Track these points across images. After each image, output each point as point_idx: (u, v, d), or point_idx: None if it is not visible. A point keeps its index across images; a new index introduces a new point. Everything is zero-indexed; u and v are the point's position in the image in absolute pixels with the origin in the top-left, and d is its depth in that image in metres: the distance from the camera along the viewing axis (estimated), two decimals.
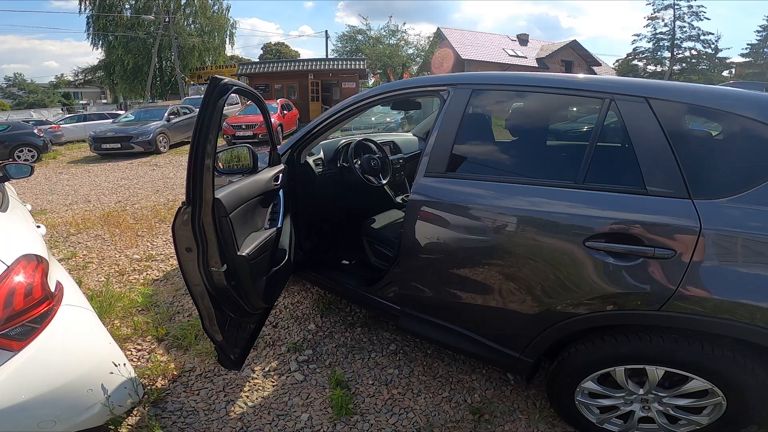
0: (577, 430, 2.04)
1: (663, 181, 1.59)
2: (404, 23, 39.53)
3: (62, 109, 33.60)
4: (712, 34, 34.79)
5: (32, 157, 12.05)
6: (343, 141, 3.39)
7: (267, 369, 2.50)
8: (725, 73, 35.24)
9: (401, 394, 2.31)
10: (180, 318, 3.08)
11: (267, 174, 2.37)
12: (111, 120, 15.66)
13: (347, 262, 3.07)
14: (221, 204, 1.79)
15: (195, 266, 1.77)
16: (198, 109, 1.70)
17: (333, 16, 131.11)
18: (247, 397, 2.29)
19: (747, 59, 35.68)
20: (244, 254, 1.89)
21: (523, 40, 38.40)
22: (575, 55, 36.28)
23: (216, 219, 1.75)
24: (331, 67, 20.38)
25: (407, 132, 4.59)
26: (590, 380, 1.85)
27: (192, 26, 31.44)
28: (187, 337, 2.75)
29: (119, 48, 30.16)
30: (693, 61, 34.90)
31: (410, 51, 30.36)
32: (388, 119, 10.87)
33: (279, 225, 2.30)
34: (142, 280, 3.75)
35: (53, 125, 16.34)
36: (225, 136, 13.41)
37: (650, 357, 1.68)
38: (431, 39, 32.76)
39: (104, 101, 42.28)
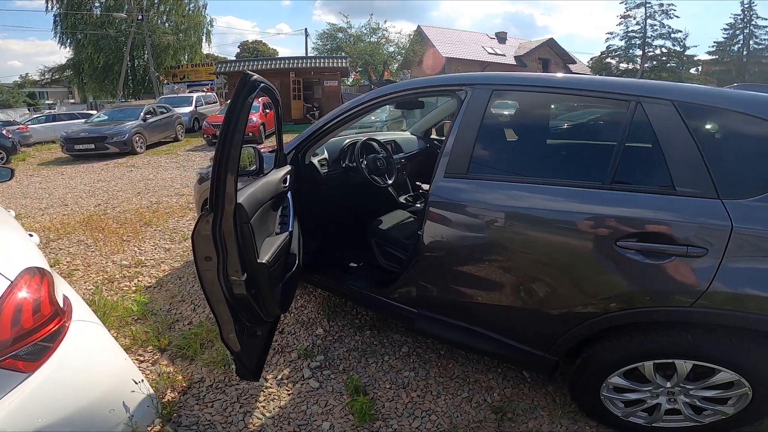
0: (602, 424, 2.05)
1: (692, 182, 1.62)
2: (385, 21, 39.47)
3: (29, 109, 32.27)
4: (681, 32, 35.97)
5: (0, 159, 11.53)
6: (348, 141, 3.31)
7: (280, 377, 2.42)
8: (693, 71, 36.63)
9: (420, 397, 2.27)
10: (180, 326, 2.96)
11: (276, 175, 2.29)
12: (83, 120, 15.10)
13: (355, 265, 3.01)
14: (243, 209, 1.70)
15: (214, 276, 1.67)
16: (228, 108, 1.58)
17: (310, 14, 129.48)
18: (264, 407, 2.21)
19: (713, 57, 36.94)
20: (264, 261, 1.82)
21: (501, 38, 38.86)
22: (552, 53, 36.91)
23: (238, 225, 1.66)
24: (312, 65, 20.06)
25: (404, 131, 4.54)
26: (617, 375, 1.86)
27: (166, 24, 30.62)
28: (192, 346, 2.64)
29: (89, 46, 29.18)
30: (663, 59, 36.06)
31: (391, 49, 30.34)
32: (372, 118, 10.74)
33: (290, 229, 2.22)
34: (134, 288, 3.60)
35: (21, 126, 15.68)
36: (205, 136, 13.09)
37: (680, 351, 1.72)
38: (412, 37, 32.79)
39: (72, 101, 40.83)
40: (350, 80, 28.23)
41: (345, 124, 2.57)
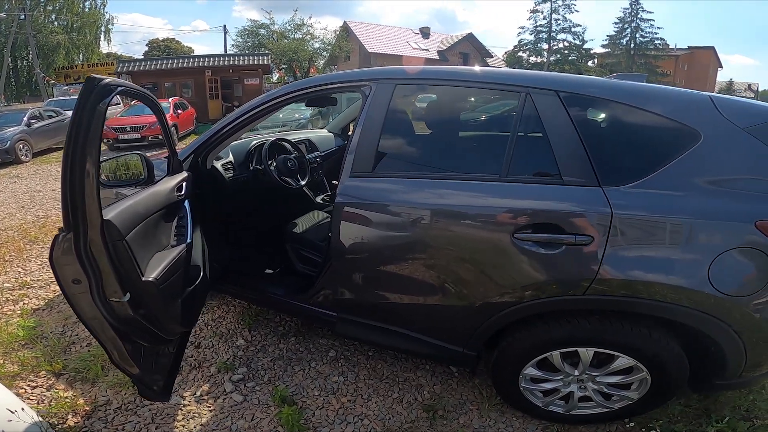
0: (526, 414, 2.10)
1: (576, 171, 1.67)
2: (310, 17, 38.79)
3: None
4: (580, 26, 38.66)
5: None
6: (255, 142, 3.15)
7: (198, 393, 2.23)
8: (590, 63, 39.46)
9: (351, 402, 2.20)
10: (77, 348, 2.64)
11: (167, 184, 2.09)
12: None
13: (271, 271, 2.87)
14: (113, 225, 1.53)
15: (88, 299, 1.51)
16: (72, 118, 1.40)
17: (230, 10, 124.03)
18: (183, 426, 2.03)
19: (607, 50, 40.14)
20: (150, 279, 1.66)
21: (425, 33, 39.98)
22: (471, 48, 38.72)
23: (109, 244, 1.50)
24: (231, 62, 19.21)
25: (321, 128, 4.45)
26: (530, 366, 1.91)
27: (56, 23, 27.74)
28: (92, 368, 2.37)
29: None
30: (565, 52, 38.57)
31: (316, 45, 29.96)
32: (297, 115, 10.50)
33: (188, 240, 2.04)
34: (19, 311, 3.16)
35: None
36: (105, 141, 11.96)
37: (580, 339, 1.79)
38: (338, 33, 32.60)
39: None
40: (275, 78, 27.41)
41: (248, 125, 2.40)
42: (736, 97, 1.84)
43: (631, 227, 1.61)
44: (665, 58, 38.90)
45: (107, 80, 1.47)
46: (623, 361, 1.77)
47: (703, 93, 1.76)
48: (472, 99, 2.14)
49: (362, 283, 2.09)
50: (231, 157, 2.92)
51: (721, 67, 45.31)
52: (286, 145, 3.24)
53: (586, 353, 1.80)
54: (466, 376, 2.38)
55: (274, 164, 2.98)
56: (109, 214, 1.56)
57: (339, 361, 2.50)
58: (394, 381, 2.35)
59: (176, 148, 2.34)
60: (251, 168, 2.98)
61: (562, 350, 1.83)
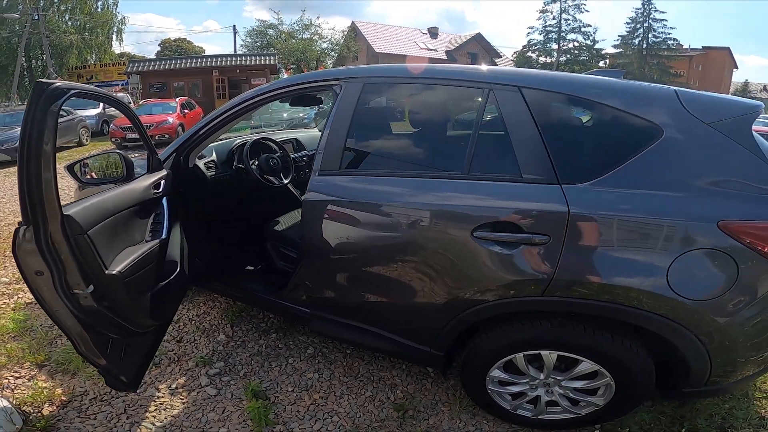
0: (495, 417, 2.08)
1: (535, 168, 1.64)
2: (318, 17, 39.00)
3: None
4: (591, 26, 38.46)
5: None
6: (238, 141, 3.19)
7: (174, 386, 2.28)
8: (601, 64, 38.93)
9: (323, 399, 2.22)
10: (62, 342, 2.69)
11: (143, 182, 2.14)
12: None
13: (252, 268, 2.91)
14: (73, 220, 1.59)
15: (51, 290, 1.56)
16: (23, 121, 1.45)
17: (241, 10, 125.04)
18: (154, 417, 2.07)
19: (618, 50, 39.71)
20: (114, 272, 1.70)
21: (433, 33, 40.01)
22: (480, 48, 38.67)
23: (70, 238, 1.55)
24: (238, 62, 19.42)
25: (312, 128, 4.47)
26: (497, 368, 1.89)
27: (69, 23, 28.13)
28: (73, 360, 2.42)
29: None
30: (575, 52, 38.26)
31: (324, 45, 30.09)
32: (301, 114, 10.59)
33: (163, 236, 2.09)
34: (12, 305, 3.23)
35: None
36: (114, 140, 12.16)
37: (542, 342, 1.75)
38: (345, 33, 32.73)
39: None
40: (283, 78, 27.52)
41: (227, 123, 2.43)
42: (703, 92, 1.77)
43: (588, 226, 1.57)
44: (678, 58, 38.45)
45: (57, 84, 1.52)
46: (587, 365, 1.73)
47: (669, 87, 1.70)
48: (440, 96, 2.14)
49: (331, 279, 2.11)
50: (214, 156, 2.96)
51: (737, 67, 44.69)
52: (271, 144, 3.27)
53: (549, 356, 1.77)
54: (441, 378, 2.38)
55: (257, 163, 3.01)
56: (71, 209, 1.61)
57: (316, 359, 2.53)
58: (369, 379, 2.36)
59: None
60: (234, 167, 3.02)
61: (525, 353, 1.80)
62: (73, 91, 1.57)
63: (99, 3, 28.95)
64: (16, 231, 1.48)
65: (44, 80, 1.50)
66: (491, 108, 1.78)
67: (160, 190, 2.20)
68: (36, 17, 24.62)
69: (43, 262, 1.50)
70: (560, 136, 1.72)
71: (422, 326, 1.95)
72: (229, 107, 2.38)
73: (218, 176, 2.89)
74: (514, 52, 42.43)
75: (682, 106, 1.60)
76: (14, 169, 9.60)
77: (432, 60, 34.39)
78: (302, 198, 2.06)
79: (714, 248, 1.47)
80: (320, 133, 4.06)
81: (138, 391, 2.16)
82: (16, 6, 25.34)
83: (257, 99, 2.31)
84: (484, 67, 1.98)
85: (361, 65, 2.32)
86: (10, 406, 1.63)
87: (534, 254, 1.62)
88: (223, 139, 3.17)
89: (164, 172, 2.31)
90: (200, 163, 2.75)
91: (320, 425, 2.06)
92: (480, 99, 1.81)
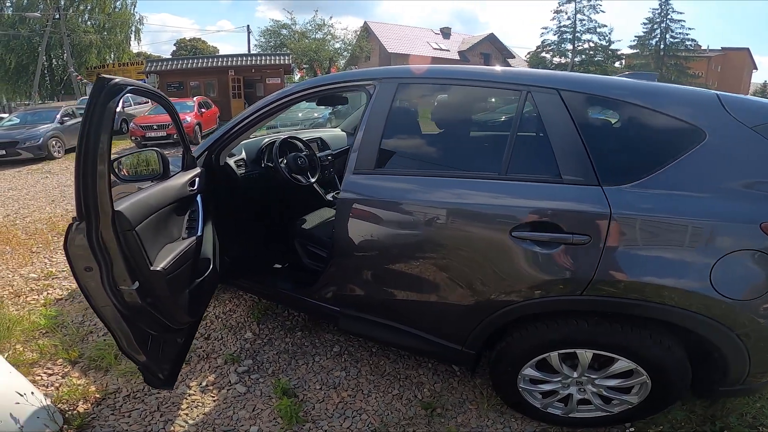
0: (524, 416, 2.09)
1: (575, 169, 1.66)
2: (330, 17, 39.21)
3: None
4: (606, 26, 37.76)
5: None
6: (267, 140, 3.23)
7: (204, 384, 2.30)
8: (617, 64, 38.49)
9: (351, 396, 2.24)
10: (94, 338, 2.74)
11: (180, 179, 2.18)
12: None
13: (279, 266, 2.94)
14: (123, 216, 1.61)
15: (99, 286, 1.58)
16: (84, 116, 1.49)
17: (254, 10, 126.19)
18: (187, 414, 2.10)
19: (635, 51, 39.12)
20: (158, 269, 1.73)
21: (446, 33, 39.87)
22: (493, 48, 38.46)
23: (119, 233, 1.57)
24: (253, 62, 19.54)
25: (335, 128, 4.51)
26: (529, 367, 1.90)
27: (88, 22, 28.61)
28: (106, 357, 2.46)
29: None
30: (591, 53, 37.77)
31: (337, 45, 30.23)
32: (315, 114, 10.65)
33: (199, 233, 2.12)
34: (42, 301, 3.30)
35: None
36: (134, 138, 12.34)
37: (578, 341, 1.76)
38: (358, 33, 32.83)
39: None
40: (296, 77, 27.79)
41: (258, 123, 2.48)
42: (745, 96, 1.78)
43: (630, 227, 1.58)
44: (697, 59, 37.77)
45: (117, 80, 1.54)
46: (623, 364, 1.74)
47: (710, 91, 1.71)
48: (477, 98, 2.15)
49: (363, 278, 2.12)
50: (243, 154, 3.00)
51: (756, 68, 43.94)
52: (298, 143, 3.31)
53: (585, 355, 1.78)
54: (468, 376, 2.38)
55: (285, 161, 3.04)
56: (121, 205, 1.63)
57: (342, 357, 2.54)
58: (396, 378, 2.37)
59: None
60: (263, 165, 3.06)
61: (560, 351, 1.81)
62: (129, 87, 1.60)
63: (117, 2, 29.38)
64: (70, 226, 1.50)
65: (105, 75, 1.52)
66: (528, 109, 1.79)
67: (195, 187, 2.23)
68: (57, 16, 25.06)
69: (93, 258, 1.52)
70: (600, 138, 1.73)
71: (455, 325, 1.96)
72: (260, 106, 2.41)
73: (248, 174, 2.92)
74: (528, 53, 42.12)
75: (724, 109, 1.60)
76: (37, 167, 9.89)
77: (445, 61, 34.32)
78: (337, 196, 2.08)
79: (757, 249, 1.49)
80: (342, 133, 4.15)
81: (169, 390, 2.19)
82: (37, 5, 25.82)
83: (288, 98, 2.34)
84: (521, 69, 1.99)
85: (397, 66, 2.33)
86: (52, 405, 1.66)
87: (573, 254, 1.63)
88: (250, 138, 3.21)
89: (198, 170, 2.35)
90: (231, 161, 2.79)
91: (349, 423, 2.07)
92: (517, 101, 1.82)
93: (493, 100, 2.41)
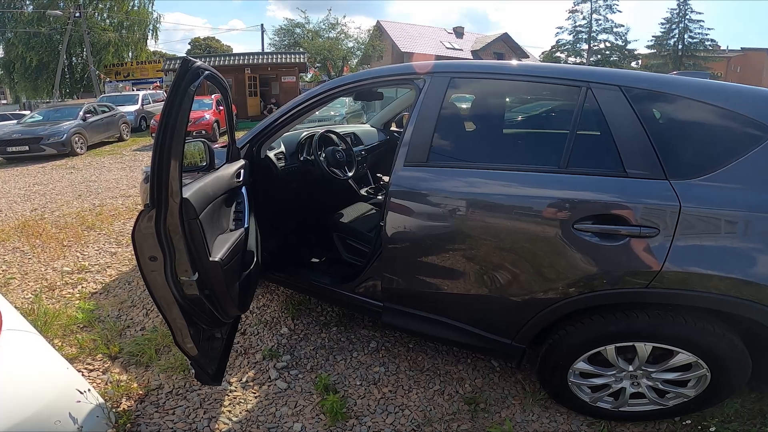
0: (571, 410, 2.07)
1: (640, 163, 1.66)
2: (344, 16, 39.23)
3: None
4: (623, 26, 37.77)
5: None
6: (306, 133, 3.22)
7: (245, 380, 2.30)
8: (633, 64, 37.91)
9: (392, 392, 2.22)
10: (132, 332, 2.77)
11: (228, 170, 2.18)
12: (15, 121, 14.00)
13: (317, 260, 2.92)
14: (190, 204, 1.59)
15: (161, 277, 1.56)
16: (168, 97, 1.47)
17: (264, 10, 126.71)
18: (230, 411, 2.09)
19: (652, 51, 38.56)
20: (216, 260, 1.71)
21: (459, 32, 39.76)
22: (506, 48, 38.17)
23: (185, 222, 1.55)
24: (269, 61, 19.57)
25: (363, 123, 4.51)
26: (582, 361, 1.88)
27: (107, 21, 28.98)
28: (146, 352, 2.47)
29: (20, 45, 27.08)
30: (606, 52, 37.37)
31: (350, 44, 30.25)
32: (332, 113, 10.68)
33: (246, 225, 2.12)
34: (78, 294, 3.34)
35: None
36: (153, 135, 12.48)
37: (638, 334, 1.74)
38: (371, 32, 32.81)
39: (3, 102, 37.90)
40: (309, 76, 27.88)
41: (300, 116, 2.48)
42: None
43: (699, 220, 1.58)
44: (716, 59, 36.97)
45: (198, 63, 1.53)
46: (683, 357, 1.72)
47: None
48: (531, 93, 2.13)
49: (411, 272, 2.10)
50: (282, 147, 2.99)
51: None
52: (334, 137, 3.29)
53: (644, 348, 1.76)
54: (508, 371, 2.36)
55: (324, 155, 3.03)
56: (186, 192, 1.60)
57: (380, 352, 2.53)
58: (435, 373, 2.35)
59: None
60: (301, 158, 3.05)
61: (618, 345, 1.79)
62: (206, 73, 1.59)
63: (135, 1, 29.72)
64: (140, 214, 1.48)
65: (189, 57, 1.51)
66: (589, 106, 1.78)
67: (241, 179, 2.23)
68: (78, 14, 25.40)
69: (158, 247, 1.50)
70: (667, 133, 1.73)
71: (507, 318, 1.95)
72: (301, 100, 2.41)
73: (287, 168, 2.92)
74: (542, 53, 41.78)
75: None
76: (61, 162, 10.03)
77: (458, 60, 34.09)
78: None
79: None
80: (373, 129, 4.14)
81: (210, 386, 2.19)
82: (58, 3, 26.19)
83: (331, 92, 2.34)
84: (580, 66, 1.97)
85: (451, 60, 2.30)
86: (105, 403, 1.64)
87: (640, 247, 1.62)
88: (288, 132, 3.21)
89: (243, 162, 2.34)
90: (271, 154, 2.78)
91: (392, 419, 2.06)
92: (577, 97, 1.81)
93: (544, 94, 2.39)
